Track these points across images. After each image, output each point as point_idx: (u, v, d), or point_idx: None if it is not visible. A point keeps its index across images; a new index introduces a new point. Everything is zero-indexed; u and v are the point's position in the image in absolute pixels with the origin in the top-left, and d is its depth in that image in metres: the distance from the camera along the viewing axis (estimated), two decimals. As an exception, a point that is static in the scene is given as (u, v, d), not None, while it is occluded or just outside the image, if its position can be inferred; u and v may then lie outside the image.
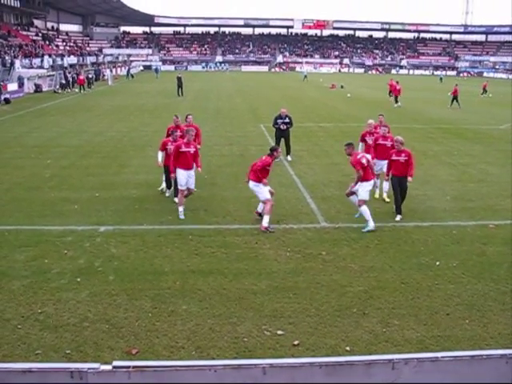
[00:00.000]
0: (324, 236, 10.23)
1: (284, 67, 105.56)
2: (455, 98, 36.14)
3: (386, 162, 11.81)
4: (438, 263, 8.89)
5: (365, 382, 3.62)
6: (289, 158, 17.25)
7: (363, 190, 10.61)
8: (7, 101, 35.82)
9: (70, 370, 3.41)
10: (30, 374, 3.37)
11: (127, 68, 71.95)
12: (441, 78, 71.38)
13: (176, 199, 11.77)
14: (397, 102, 36.03)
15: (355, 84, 61.85)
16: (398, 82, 38.31)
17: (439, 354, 3.72)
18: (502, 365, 3.66)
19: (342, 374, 3.58)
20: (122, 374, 3.43)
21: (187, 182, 11.18)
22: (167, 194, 12.66)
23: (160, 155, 12.48)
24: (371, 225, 10.45)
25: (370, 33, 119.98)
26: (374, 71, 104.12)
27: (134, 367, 3.45)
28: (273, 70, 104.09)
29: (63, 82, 47.18)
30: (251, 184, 10.74)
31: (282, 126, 16.99)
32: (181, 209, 11.14)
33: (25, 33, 70.86)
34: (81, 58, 76.45)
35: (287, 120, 17.04)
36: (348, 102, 38.70)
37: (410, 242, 9.99)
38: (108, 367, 3.46)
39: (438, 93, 37.60)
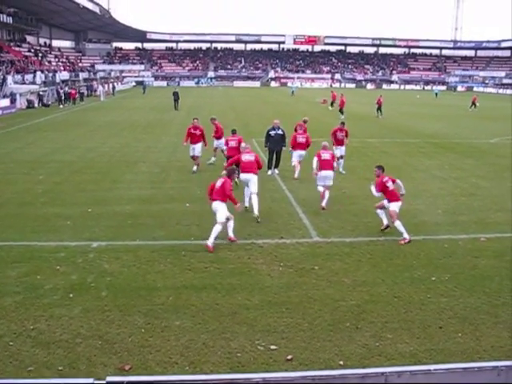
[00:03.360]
0: (317, 250, 10.26)
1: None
2: (379, 107, 38.95)
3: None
4: (433, 278, 8.91)
5: (358, 395, 3.64)
6: (276, 171, 17.72)
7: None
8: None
9: (64, 385, 3.41)
10: (23, 391, 3.37)
11: (112, 86, 69.03)
12: (436, 94, 71.68)
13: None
14: (342, 113, 37.37)
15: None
16: (342, 95, 40.90)
17: (432, 367, 3.76)
18: (494, 376, 3.70)
19: (335, 388, 3.60)
20: (116, 390, 3.44)
21: None
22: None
23: None
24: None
25: (361, 48, 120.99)
26: (371, 85, 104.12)
27: (127, 383, 3.46)
28: (274, 83, 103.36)
29: (55, 96, 47.15)
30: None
31: (271, 133, 17.34)
32: None
33: (17, 49, 70.86)
34: (73, 74, 76.48)
35: (280, 132, 17.43)
36: (339, 118, 38.88)
37: (402, 255, 10.04)
38: (102, 382, 3.46)
39: (431, 108, 37.95)
